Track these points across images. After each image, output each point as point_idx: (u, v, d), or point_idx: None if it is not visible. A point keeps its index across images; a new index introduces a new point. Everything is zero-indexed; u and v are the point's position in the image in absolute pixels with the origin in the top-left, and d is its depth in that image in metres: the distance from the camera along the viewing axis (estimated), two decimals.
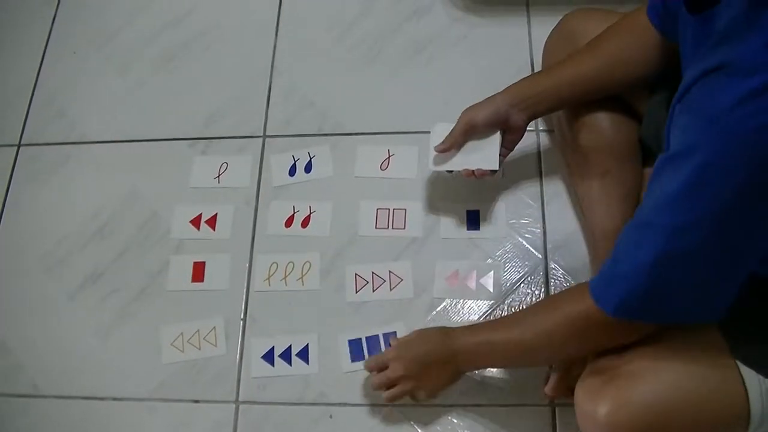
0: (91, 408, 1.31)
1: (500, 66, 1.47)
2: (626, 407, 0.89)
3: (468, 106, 1.20)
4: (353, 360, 1.28)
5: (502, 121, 1.18)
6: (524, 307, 1.29)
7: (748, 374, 0.89)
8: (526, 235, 1.35)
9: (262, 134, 1.51)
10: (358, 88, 1.54)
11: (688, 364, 0.91)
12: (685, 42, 0.90)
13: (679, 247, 0.79)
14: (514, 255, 1.34)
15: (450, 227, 1.37)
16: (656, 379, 0.91)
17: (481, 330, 1.11)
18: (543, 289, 1.30)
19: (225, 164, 1.49)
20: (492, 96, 1.19)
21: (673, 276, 0.82)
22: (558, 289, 1.30)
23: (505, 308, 1.29)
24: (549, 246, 1.34)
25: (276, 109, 1.54)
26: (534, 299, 1.30)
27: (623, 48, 1.10)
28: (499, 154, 1.20)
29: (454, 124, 1.20)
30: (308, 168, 1.46)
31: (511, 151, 1.24)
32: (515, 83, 1.18)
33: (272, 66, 1.59)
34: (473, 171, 1.21)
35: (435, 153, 1.22)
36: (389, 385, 1.16)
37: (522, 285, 1.31)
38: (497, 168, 1.20)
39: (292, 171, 1.47)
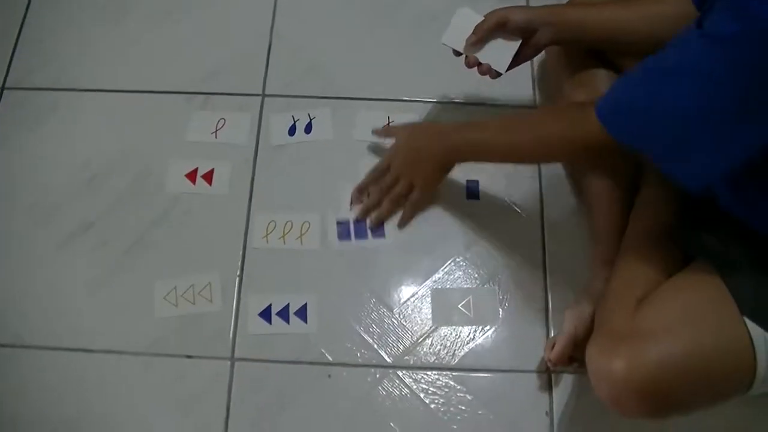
0: (81, 360, 1.27)
1: None
2: (641, 364, 0.92)
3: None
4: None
5: (530, 31, 1.19)
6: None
7: (755, 330, 0.93)
8: (525, 209, 1.38)
9: (261, 93, 1.49)
10: (363, 53, 1.53)
11: (699, 322, 0.95)
12: None
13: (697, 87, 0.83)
14: (512, 227, 1.36)
15: (448, 195, 1.38)
16: (670, 337, 0.94)
17: (478, 130, 1.21)
18: (541, 267, 1.33)
19: (222, 120, 1.46)
20: (527, 6, 1.22)
21: (679, 103, 0.86)
22: (555, 265, 1.33)
23: (501, 281, 1.32)
24: (546, 222, 1.37)
25: (277, 68, 1.52)
26: (530, 274, 1.32)
27: (668, 4, 1.10)
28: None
29: (478, 15, 1.21)
30: (308, 129, 1.45)
31: (518, 65, 1.24)
32: (552, 5, 1.21)
33: (273, 24, 1.56)
34: (480, 63, 1.22)
35: (452, 30, 1.22)
36: (390, 186, 1.32)
37: (519, 256, 1.34)
38: (504, 72, 1.22)
39: (292, 131, 1.45)
